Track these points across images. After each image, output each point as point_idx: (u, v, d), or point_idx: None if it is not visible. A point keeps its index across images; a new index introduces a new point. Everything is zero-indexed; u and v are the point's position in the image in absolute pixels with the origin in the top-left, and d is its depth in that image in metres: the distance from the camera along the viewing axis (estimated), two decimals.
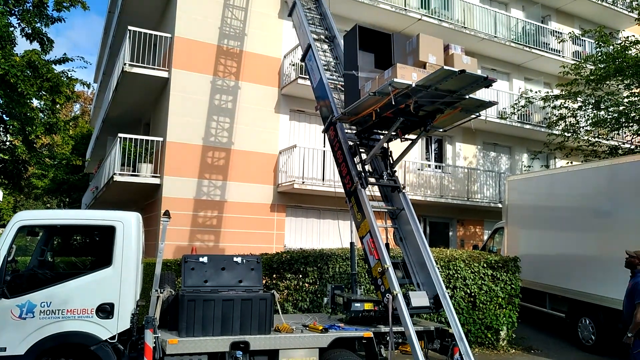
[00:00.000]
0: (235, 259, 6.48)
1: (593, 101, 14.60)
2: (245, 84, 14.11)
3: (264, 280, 9.10)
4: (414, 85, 6.03)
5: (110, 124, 18.10)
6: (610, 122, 14.17)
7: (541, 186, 11.51)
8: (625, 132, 15.09)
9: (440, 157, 17.48)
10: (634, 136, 14.59)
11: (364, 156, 7.77)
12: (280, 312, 6.73)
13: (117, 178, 12.89)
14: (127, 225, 5.82)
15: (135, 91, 14.74)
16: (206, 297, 5.85)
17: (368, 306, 7.00)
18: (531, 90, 17.19)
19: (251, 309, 5.98)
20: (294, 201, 14.29)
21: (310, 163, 13.85)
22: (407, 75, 6.21)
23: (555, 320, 10.95)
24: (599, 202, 9.51)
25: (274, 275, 9.17)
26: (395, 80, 6.00)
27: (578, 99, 14.98)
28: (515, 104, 16.85)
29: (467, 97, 6.41)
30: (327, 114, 8.41)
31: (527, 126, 17.49)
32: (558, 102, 15.75)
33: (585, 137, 15.56)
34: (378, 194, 8.34)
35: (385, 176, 7.70)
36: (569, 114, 15.50)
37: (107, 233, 5.83)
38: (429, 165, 17.00)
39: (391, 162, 7.92)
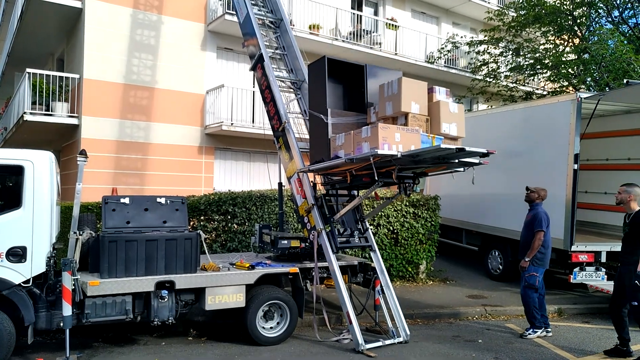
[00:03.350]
0: (158, 199, 6.31)
1: (513, 47, 15.22)
2: (168, 18, 13.27)
3: (191, 223, 9.03)
4: (399, 156, 5.46)
5: (16, 58, 16.49)
6: (527, 68, 14.89)
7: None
8: (539, 78, 15.96)
9: None
10: (547, 82, 15.47)
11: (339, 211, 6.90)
12: (207, 252, 6.75)
13: (27, 117, 11.94)
14: (38, 164, 5.46)
15: (45, 22, 13.44)
16: (128, 238, 5.72)
17: (295, 244, 7.19)
18: (457, 35, 17.56)
19: (176, 248, 5.93)
20: (222, 143, 14.02)
21: (240, 104, 13.53)
22: (390, 137, 5.59)
23: (469, 254, 11.85)
24: (513, 143, 10.12)
25: (202, 217, 9.11)
26: (379, 152, 5.39)
27: (500, 45, 15.54)
28: (442, 48, 17.19)
29: (457, 160, 5.96)
30: (255, 51, 8.16)
31: (453, 71, 17.99)
32: (482, 48, 16.27)
33: (505, 83, 16.29)
34: (306, 135, 8.37)
35: (356, 234, 7.01)
36: (491, 60, 16.11)
37: (16, 173, 5.45)
38: None
39: (362, 215, 7.29)
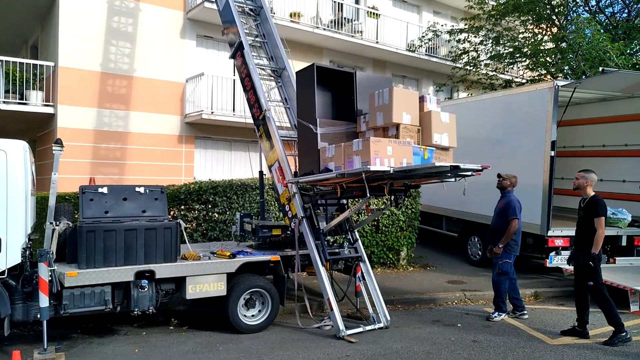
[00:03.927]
0: (137, 189, 6.25)
1: (493, 36, 15.34)
2: (146, 5, 13.03)
3: (172, 212, 8.97)
4: (392, 172, 5.39)
5: None
6: (506, 57, 15.04)
7: None
8: (518, 67, 16.13)
9: None
10: (526, 70, 15.65)
11: (323, 225, 6.84)
12: (187, 242, 6.72)
13: (1, 107, 11.65)
14: (11, 154, 5.34)
15: (18, 7, 13.08)
16: (107, 228, 5.65)
17: (276, 232, 7.20)
18: (438, 24, 17.61)
19: (156, 238, 5.88)
20: (203, 132, 13.90)
21: (220, 92, 13.41)
22: (382, 151, 5.48)
23: (449, 240, 12.02)
24: (492, 131, 10.24)
25: (182, 207, 9.05)
26: (371, 168, 5.28)
27: (480, 33, 15.65)
28: (423, 36, 17.23)
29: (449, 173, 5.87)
30: (235, 39, 8.08)
31: (434, 59, 18.05)
32: (462, 36, 16.36)
33: (484, 71, 16.43)
34: (287, 123, 8.35)
35: (346, 246, 6.96)
36: (472, 48, 16.22)
37: None
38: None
39: (351, 225, 7.15)
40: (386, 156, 5.51)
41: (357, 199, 7.25)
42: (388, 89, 5.99)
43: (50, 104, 12.21)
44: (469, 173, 5.96)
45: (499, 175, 7.31)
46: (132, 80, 12.93)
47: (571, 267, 8.61)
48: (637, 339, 6.22)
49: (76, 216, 6.95)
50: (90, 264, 5.51)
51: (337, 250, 6.87)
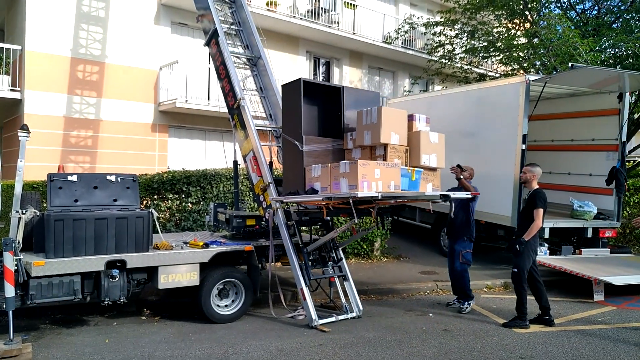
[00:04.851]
0: (108, 177, 6.14)
1: (468, 30, 15.51)
2: None
3: (144, 202, 8.84)
4: (380, 197, 5.32)
5: None
6: (481, 51, 15.23)
7: (418, 108, 12.18)
8: (492, 61, 16.37)
9: (327, 79, 17.63)
10: (499, 64, 15.89)
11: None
12: (160, 232, 6.64)
13: None
14: None
15: None
16: (76, 217, 5.53)
17: (250, 222, 7.16)
18: (414, 16, 17.70)
19: (127, 227, 5.78)
20: (177, 121, 13.69)
21: (195, 80, 13.21)
22: (370, 174, 5.39)
23: (423, 232, 12.17)
24: (467, 123, 10.36)
25: (155, 196, 8.93)
26: (359, 195, 5.18)
27: (455, 27, 15.80)
28: (399, 28, 17.30)
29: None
30: (209, 26, 7.97)
31: (410, 52, 18.16)
32: (438, 29, 16.48)
33: (459, 64, 16.61)
34: (262, 113, 8.30)
35: (330, 264, 6.81)
36: (447, 42, 16.36)
37: None
38: None
39: (335, 244, 6.99)
40: (374, 179, 5.45)
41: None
42: (377, 108, 5.94)
43: (17, 89, 11.84)
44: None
45: (459, 166, 7.31)
46: (104, 67, 12.62)
47: (539, 258, 8.87)
48: (602, 327, 6.44)
49: (44, 205, 6.78)
50: (59, 254, 5.39)
51: (321, 269, 6.81)
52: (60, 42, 11.96)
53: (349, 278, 6.83)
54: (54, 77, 11.90)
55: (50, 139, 11.79)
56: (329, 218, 7.09)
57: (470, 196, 5.98)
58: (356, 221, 5.77)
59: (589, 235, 9.40)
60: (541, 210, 6.24)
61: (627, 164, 11.92)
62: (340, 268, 6.86)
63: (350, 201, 5.33)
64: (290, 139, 6.41)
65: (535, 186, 6.47)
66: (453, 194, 5.45)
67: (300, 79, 6.35)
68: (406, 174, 5.87)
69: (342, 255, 7.00)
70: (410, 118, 6.22)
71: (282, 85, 6.80)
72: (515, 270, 6.36)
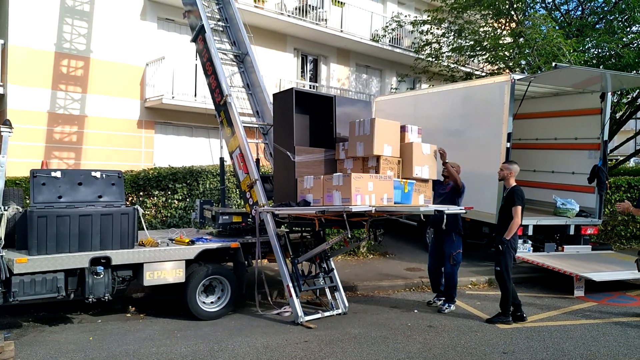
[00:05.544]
0: (93, 173, 6.09)
1: (455, 29, 15.62)
2: None
3: (130, 198, 8.78)
4: (373, 211, 5.35)
5: None
6: (467, 50, 15.35)
7: (405, 106, 12.30)
8: (479, 60, 16.51)
9: (315, 76, 17.64)
10: (485, 64, 16.04)
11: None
12: (145, 228, 6.61)
13: None
14: None
15: None
16: (60, 213, 5.48)
17: (237, 219, 7.16)
18: (402, 14, 17.77)
19: (112, 224, 5.75)
20: (163, 117, 13.59)
21: (181, 77, 13.13)
22: (363, 187, 5.39)
23: (409, 229, 12.25)
24: (453, 122, 10.45)
25: (141, 193, 8.88)
26: (353, 209, 5.21)
27: (442, 25, 15.90)
28: (387, 26, 17.36)
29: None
30: (196, 22, 7.93)
31: (397, 50, 18.24)
32: (425, 28, 16.57)
33: (446, 63, 16.73)
34: (249, 110, 8.28)
35: (321, 275, 6.76)
36: (434, 40, 16.46)
37: None
38: (304, 85, 17.13)
39: (327, 255, 6.91)
40: (367, 192, 5.45)
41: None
42: (370, 119, 5.94)
43: (0, 84, 11.65)
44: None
45: (443, 163, 7.32)
46: (89, 62, 12.49)
47: (522, 255, 9.02)
48: (583, 322, 6.56)
49: (27, 201, 6.70)
50: (42, 250, 5.34)
51: (312, 280, 6.82)
52: (44, 36, 11.80)
53: (339, 289, 6.79)
54: (38, 72, 11.75)
55: (33, 134, 11.64)
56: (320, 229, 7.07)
57: (464, 211, 6.02)
58: (349, 235, 5.81)
59: (572, 232, 9.55)
60: (519, 208, 6.30)
61: (608, 162, 12.12)
62: (331, 279, 6.83)
63: (344, 215, 5.33)
64: (282, 149, 6.39)
65: (513, 183, 6.51)
66: (447, 210, 5.48)
67: (292, 89, 6.31)
68: (399, 186, 5.90)
69: (334, 266, 6.96)
70: (403, 129, 6.23)
71: (274, 95, 6.78)
72: (498, 268, 6.43)
